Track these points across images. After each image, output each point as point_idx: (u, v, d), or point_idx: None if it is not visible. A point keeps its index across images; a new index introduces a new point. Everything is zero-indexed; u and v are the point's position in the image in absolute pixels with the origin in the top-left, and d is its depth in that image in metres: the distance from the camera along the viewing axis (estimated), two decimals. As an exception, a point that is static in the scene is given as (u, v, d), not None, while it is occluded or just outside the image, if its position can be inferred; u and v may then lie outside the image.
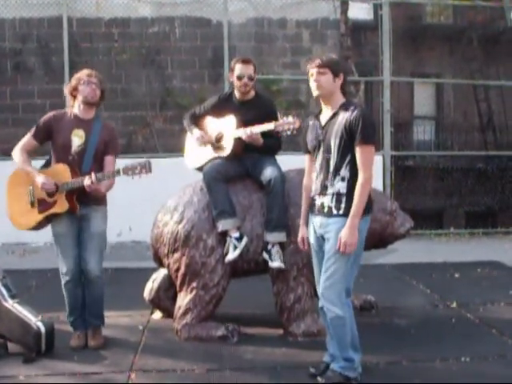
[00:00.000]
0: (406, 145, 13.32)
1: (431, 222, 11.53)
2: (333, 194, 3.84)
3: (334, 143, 3.81)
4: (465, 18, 14.41)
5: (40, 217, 4.58)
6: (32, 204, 4.60)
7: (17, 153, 4.64)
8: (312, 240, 4.05)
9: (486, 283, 6.82)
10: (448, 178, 12.84)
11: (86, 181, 4.35)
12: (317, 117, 4.00)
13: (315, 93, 3.89)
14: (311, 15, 11.53)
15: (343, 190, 3.81)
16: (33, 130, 4.67)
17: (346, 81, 3.93)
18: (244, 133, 4.87)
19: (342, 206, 3.81)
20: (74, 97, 4.64)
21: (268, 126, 4.82)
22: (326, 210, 3.87)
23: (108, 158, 4.65)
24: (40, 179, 4.47)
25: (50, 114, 4.73)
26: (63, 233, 4.63)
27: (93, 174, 4.36)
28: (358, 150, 3.77)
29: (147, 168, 4.36)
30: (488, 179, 12.70)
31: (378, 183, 9.43)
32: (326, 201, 3.86)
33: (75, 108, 4.66)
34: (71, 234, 4.63)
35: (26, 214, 4.62)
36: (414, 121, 14.82)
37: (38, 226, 4.67)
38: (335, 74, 3.86)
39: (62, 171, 4.48)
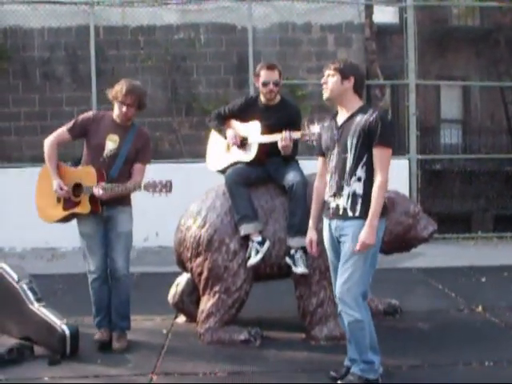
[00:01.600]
0: (433, 148, 13.22)
1: (459, 226, 11.43)
2: (348, 195, 3.84)
3: (350, 143, 3.82)
4: (491, 19, 14.28)
5: (64, 213, 4.69)
6: (58, 199, 4.70)
7: (47, 144, 4.72)
8: (327, 244, 4.05)
9: (513, 287, 6.75)
10: (475, 182, 12.72)
11: (96, 191, 4.45)
12: (333, 118, 4.02)
13: (323, 95, 3.95)
14: (336, 19, 11.49)
15: (359, 191, 3.82)
16: (70, 124, 4.77)
17: (359, 84, 3.93)
18: (280, 139, 4.85)
19: (358, 208, 3.81)
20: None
21: (294, 135, 4.83)
22: (341, 212, 3.87)
23: (137, 166, 4.72)
24: (55, 183, 4.61)
25: (90, 113, 4.86)
26: (89, 233, 4.72)
27: (101, 184, 4.45)
28: (375, 152, 3.78)
29: (168, 188, 4.41)
30: (516, 182, 12.57)
31: (404, 187, 9.38)
32: (342, 202, 3.86)
33: (114, 113, 4.74)
34: (97, 234, 4.72)
35: (51, 207, 4.73)
36: (441, 124, 14.73)
37: (62, 220, 4.78)
38: (344, 77, 3.88)
39: (89, 174, 4.57)
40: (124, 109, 4.64)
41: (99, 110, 4.89)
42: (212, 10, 11.33)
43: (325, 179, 4.08)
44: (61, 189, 4.60)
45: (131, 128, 4.76)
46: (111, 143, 4.66)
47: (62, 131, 4.76)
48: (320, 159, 4.15)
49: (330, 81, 3.90)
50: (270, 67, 5.08)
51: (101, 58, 10.95)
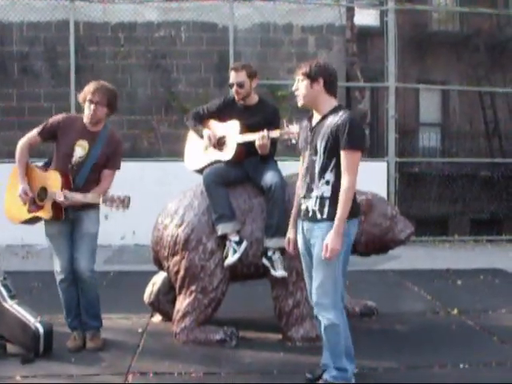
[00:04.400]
0: (412, 151, 13.29)
1: (436, 229, 11.52)
2: (317, 197, 3.81)
3: (320, 145, 3.78)
4: (471, 25, 14.41)
5: (27, 216, 4.63)
6: (25, 202, 4.62)
7: (19, 146, 4.67)
8: (301, 245, 4.02)
9: (488, 290, 6.80)
10: (453, 185, 12.79)
11: (58, 197, 4.39)
12: (309, 119, 4.00)
13: (298, 103, 3.91)
14: (317, 21, 11.52)
15: (327, 194, 3.79)
16: (40, 127, 4.69)
17: (329, 84, 3.84)
18: (258, 137, 4.83)
19: (325, 210, 3.78)
20: None
21: (273, 134, 4.81)
22: (310, 214, 3.85)
23: (106, 172, 4.65)
24: (20, 188, 4.57)
25: (60, 116, 4.73)
26: (55, 234, 4.67)
27: (64, 192, 4.39)
28: (343, 155, 3.72)
29: (125, 204, 4.36)
30: (493, 186, 12.67)
31: (382, 189, 9.41)
32: (310, 204, 3.84)
33: (84, 115, 4.65)
34: (64, 234, 4.67)
35: (17, 208, 4.66)
36: (420, 127, 14.83)
37: (27, 222, 4.71)
38: (312, 80, 3.82)
39: (54, 179, 4.49)
40: (93, 107, 4.54)
41: (71, 114, 4.78)
42: (193, 8, 11.30)
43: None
44: (25, 194, 4.55)
45: (102, 132, 4.66)
46: (80, 149, 4.58)
47: (32, 134, 4.68)
48: (301, 159, 4.11)
49: (301, 87, 3.85)
50: (235, 69, 5.07)
51: (80, 54, 10.87)
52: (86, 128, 4.64)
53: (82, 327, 4.77)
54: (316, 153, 3.81)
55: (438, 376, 4.26)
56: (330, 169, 3.79)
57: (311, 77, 3.82)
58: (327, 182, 3.80)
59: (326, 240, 3.69)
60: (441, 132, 15.06)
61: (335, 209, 3.73)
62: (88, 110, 4.58)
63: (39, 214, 4.56)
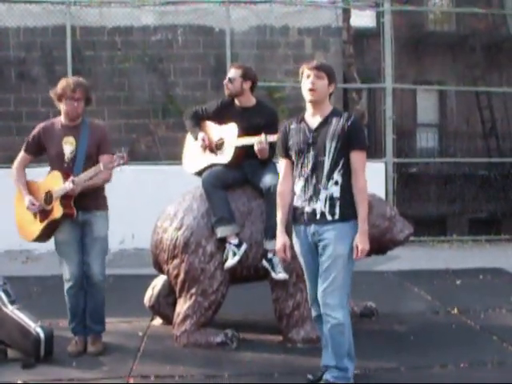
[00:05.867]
0: (409, 152, 13.31)
1: (434, 229, 11.52)
2: (326, 199, 3.82)
3: (329, 146, 3.81)
4: (467, 25, 14.44)
5: (42, 225, 4.61)
6: (35, 215, 4.64)
7: (13, 171, 4.76)
8: (302, 250, 4.00)
9: (488, 290, 6.81)
10: (451, 185, 12.82)
11: (67, 186, 4.39)
12: (302, 120, 3.99)
13: (309, 97, 3.89)
14: (313, 23, 11.54)
15: (336, 194, 3.81)
16: (24, 145, 4.76)
17: (333, 91, 3.99)
18: (256, 142, 4.85)
19: (336, 211, 3.80)
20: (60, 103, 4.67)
21: (271, 138, 4.81)
22: (318, 216, 3.83)
23: (102, 158, 4.63)
24: (27, 200, 4.60)
25: (39, 126, 4.76)
26: (66, 240, 4.66)
27: (70, 179, 4.41)
28: (355, 155, 3.80)
29: (125, 158, 4.40)
30: (491, 186, 12.69)
31: (380, 190, 9.41)
32: (319, 206, 3.83)
33: (62, 116, 4.68)
34: (74, 240, 4.66)
35: (30, 224, 4.68)
36: (417, 128, 14.84)
37: (42, 235, 4.67)
38: (330, 81, 3.91)
39: (56, 178, 4.52)
40: (75, 104, 4.57)
41: (46, 121, 4.81)
42: (190, 11, 11.31)
43: (289, 182, 4.02)
44: (32, 204, 4.57)
45: (83, 125, 4.69)
46: (68, 146, 4.61)
47: (21, 154, 4.76)
48: (283, 161, 4.07)
49: (320, 84, 3.87)
50: (232, 65, 5.24)
51: (77, 58, 10.85)
52: (66, 126, 4.67)
53: (85, 331, 4.77)
54: (324, 153, 3.83)
55: (439, 376, 4.27)
56: (338, 169, 3.82)
57: (330, 78, 3.91)
58: (336, 183, 3.82)
59: (356, 242, 3.77)
60: (438, 132, 15.08)
61: (345, 209, 3.79)
62: (70, 107, 4.59)
63: (51, 216, 4.54)
